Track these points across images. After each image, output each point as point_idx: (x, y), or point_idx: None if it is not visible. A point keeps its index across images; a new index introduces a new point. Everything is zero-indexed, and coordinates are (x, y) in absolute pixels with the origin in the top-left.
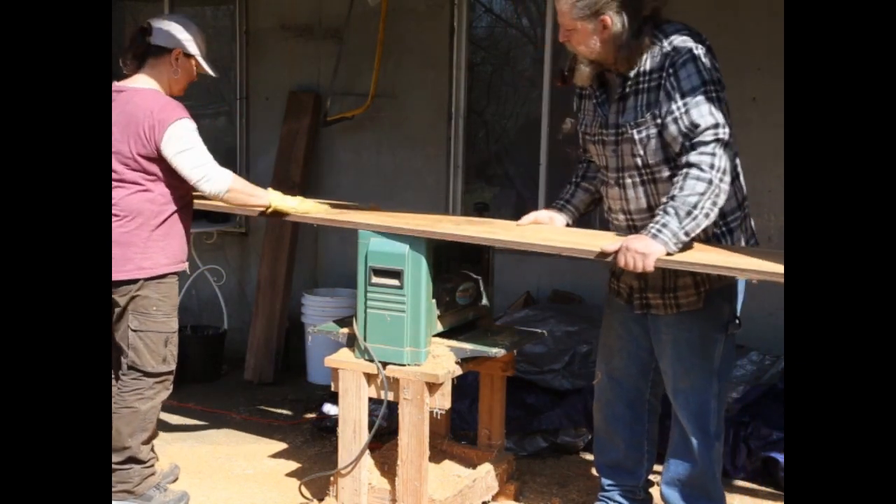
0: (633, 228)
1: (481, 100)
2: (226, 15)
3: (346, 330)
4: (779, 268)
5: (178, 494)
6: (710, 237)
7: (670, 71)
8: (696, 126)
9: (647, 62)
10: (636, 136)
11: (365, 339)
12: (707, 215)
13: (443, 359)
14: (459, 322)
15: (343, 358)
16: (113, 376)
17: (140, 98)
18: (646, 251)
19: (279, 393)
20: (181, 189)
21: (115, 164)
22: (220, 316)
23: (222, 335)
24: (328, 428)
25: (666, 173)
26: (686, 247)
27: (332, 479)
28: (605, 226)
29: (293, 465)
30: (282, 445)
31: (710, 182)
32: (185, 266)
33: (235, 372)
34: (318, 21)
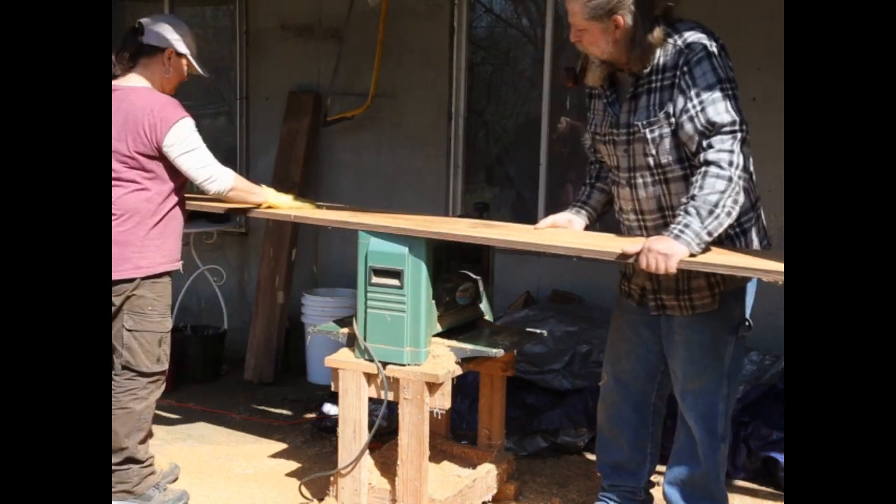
0: (644, 229)
1: (481, 100)
2: (226, 15)
3: (346, 330)
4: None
5: (178, 494)
6: (724, 238)
7: (685, 69)
8: (713, 124)
9: (661, 61)
10: (648, 136)
11: (365, 339)
12: (729, 213)
13: (443, 359)
14: (459, 322)
15: (343, 358)
16: None
17: (136, 96)
18: (668, 252)
19: (279, 393)
20: (177, 187)
21: (113, 163)
22: (220, 316)
23: (222, 335)
24: (328, 428)
25: (678, 173)
26: (705, 247)
27: (332, 479)
28: (617, 226)
29: (293, 465)
30: (282, 445)
31: (731, 179)
32: (180, 265)
33: (235, 372)
34: (318, 21)
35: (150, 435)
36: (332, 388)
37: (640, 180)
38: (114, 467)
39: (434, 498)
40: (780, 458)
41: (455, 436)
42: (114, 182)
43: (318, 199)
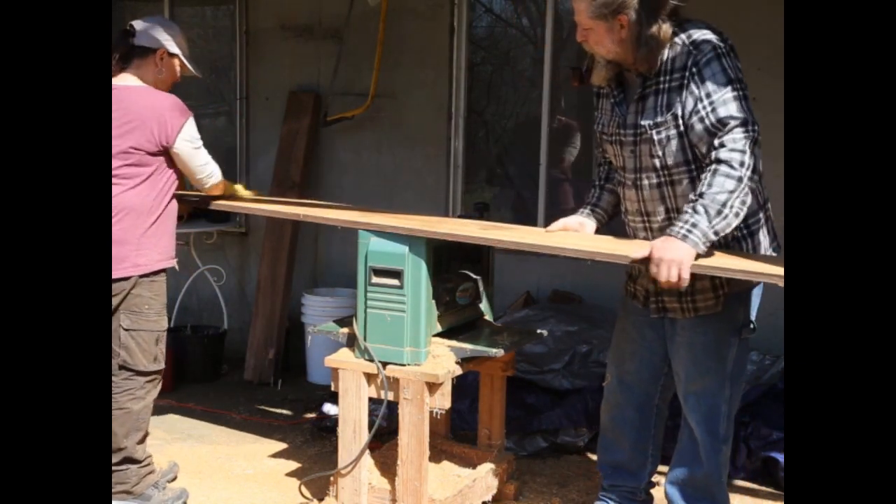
0: (649, 230)
1: (481, 100)
2: (226, 15)
3: (346, 330)
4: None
5: (177, 492)
6: (731, 240)
7: (693, 70)
8: (724, 124)
9: (669, 61)
10: (655, 137)
11: (365, 339)
12: (737, 214)
13: (443, 359)
14: (459, 322)
15: (343, 358)
16: None
17: (137, 95)
18: (679, 258)
19: (279, 393)
20: (171, 184)
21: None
22: (220, 316)
23: (222, 335)
24: (328, 428)
25: (684, 175)
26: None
27: (332, 479)
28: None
29: (293, 465)
30: (282, 445)
31: (741, 179)
32: (175, 262)
33: (235, 372)
34: (318, 21)
35: (146, 434)
36: (332, 388)
37: (645, 181)
38: (112, 468)
39: (434, 498)
40: (780, 458)
41: (455, 436)
42: (113, 181)
43: (319, 200)
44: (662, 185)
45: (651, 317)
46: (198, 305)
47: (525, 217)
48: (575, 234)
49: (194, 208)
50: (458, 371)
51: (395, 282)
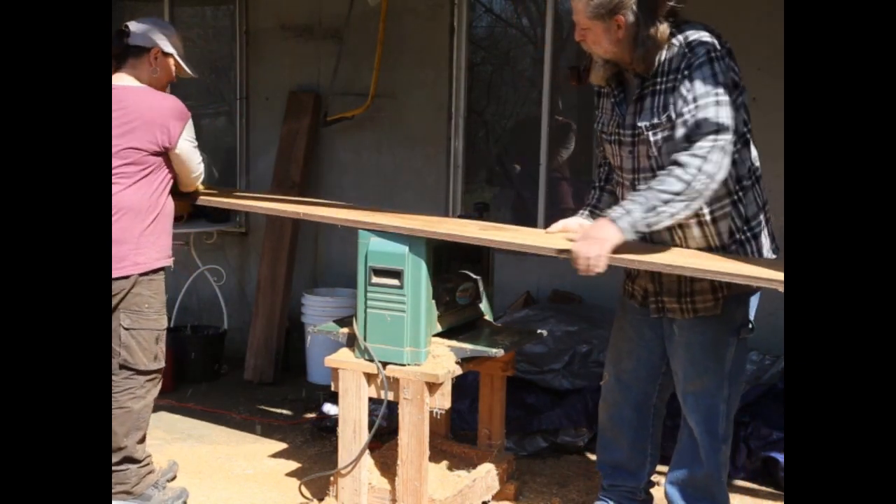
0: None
1: (481, 100)
2: (226, 15)
3: (346, 330)
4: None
5: (177, 491)
6: (734, 244)
7: (685, 73)
8: (698, 128)
9: (666, 62)
10: (651, 139)
11: (365, 339)
12: (673, 216)
13: (443, 359)
14: (459, 322)
15: (343, 358)
16: None
17: (136, 95)
18: (602, 236)
19: (279, 393)
20: (168, 183)
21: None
22: (220, 316)
23: (222, 335)
24: (328, 428)
25: None
26: (713, 253)
27: (332, 479)
28: None
29: (293, 465)
30: (282, 445)
31: (689, 184)
32: (172, 260)
33: (235, 372)
34: (318, 21)
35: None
36: (332, 388)
37: (642, 183)
38: (112, 468)
39: (434, 498)
40: (780, 458)
41: (455, 436)
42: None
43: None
44: None
45: (651, 316)
46: (198, 305)
47: (525, 217)
48: (573, 234)
49: (195, 208)
50: (458, 371)
51: (395, 282)
